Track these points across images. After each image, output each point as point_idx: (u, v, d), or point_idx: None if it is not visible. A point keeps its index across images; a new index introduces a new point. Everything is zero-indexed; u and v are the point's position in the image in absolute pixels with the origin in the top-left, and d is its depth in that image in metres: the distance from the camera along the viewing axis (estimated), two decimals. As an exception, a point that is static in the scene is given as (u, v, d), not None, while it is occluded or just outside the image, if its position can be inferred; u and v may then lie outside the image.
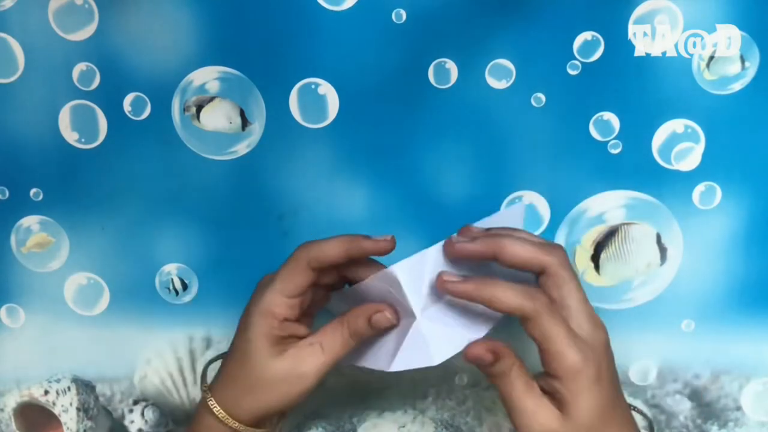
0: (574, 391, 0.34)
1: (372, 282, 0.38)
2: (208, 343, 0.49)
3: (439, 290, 0.36)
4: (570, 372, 0.34)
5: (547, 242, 0.37)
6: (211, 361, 0.43)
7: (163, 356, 0.49)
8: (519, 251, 0.36)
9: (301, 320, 0.40)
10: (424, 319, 0.37)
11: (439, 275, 0.36)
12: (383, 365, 0.38)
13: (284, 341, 0.39)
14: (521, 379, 0.36)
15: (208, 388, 0.40)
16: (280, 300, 0.39)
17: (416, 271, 0.37)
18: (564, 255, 0.36)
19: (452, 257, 0.37)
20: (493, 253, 0.36)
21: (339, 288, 0.42)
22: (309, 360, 0.38)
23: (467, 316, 0.38)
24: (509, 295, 0.34)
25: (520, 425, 0.36)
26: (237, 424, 0.39)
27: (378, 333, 0.38)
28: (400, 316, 0.38)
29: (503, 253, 0.36)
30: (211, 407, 0.39)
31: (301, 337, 0.39)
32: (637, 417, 0.40)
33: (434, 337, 0.37)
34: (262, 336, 0.38)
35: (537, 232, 0.46)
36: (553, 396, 0.35)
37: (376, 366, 0.39)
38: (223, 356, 0.41)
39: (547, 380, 0.35)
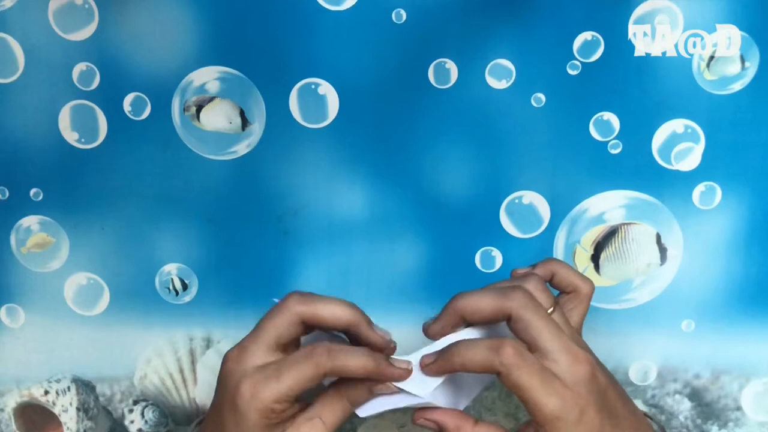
0: None
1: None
2: (208, 343, 0.50)
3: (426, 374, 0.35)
4: (548, 420, 0.33)
5: (507, 286, 0.36)
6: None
7: (163, 356, 0.50)
8: (479, 304, 0.35)
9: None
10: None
11: (421, 360, 0.35)
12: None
13: (281, 424, 0.35)
14: None
15: None
16: (284, 401, 0.34)
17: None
18: (524, 295, 0.35)
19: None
20: (458, 315, 0.36)
21: None
22: None
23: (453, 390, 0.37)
24: (474, 354, 0.34)
25: None
26: None
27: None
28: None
29: (465, 310, 0.35)
30: None
31: (296, 412, 0.36)
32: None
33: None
34: (258, 428, 0.34)
35: (537, 233, 0.47)
36: None
37: None
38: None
39: (534, 425, 0.34)
